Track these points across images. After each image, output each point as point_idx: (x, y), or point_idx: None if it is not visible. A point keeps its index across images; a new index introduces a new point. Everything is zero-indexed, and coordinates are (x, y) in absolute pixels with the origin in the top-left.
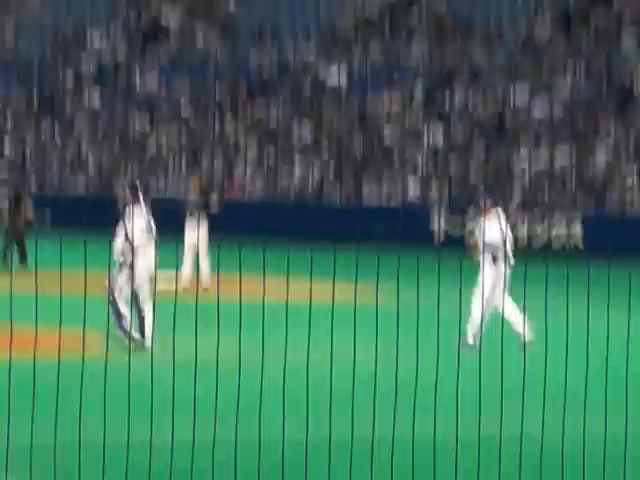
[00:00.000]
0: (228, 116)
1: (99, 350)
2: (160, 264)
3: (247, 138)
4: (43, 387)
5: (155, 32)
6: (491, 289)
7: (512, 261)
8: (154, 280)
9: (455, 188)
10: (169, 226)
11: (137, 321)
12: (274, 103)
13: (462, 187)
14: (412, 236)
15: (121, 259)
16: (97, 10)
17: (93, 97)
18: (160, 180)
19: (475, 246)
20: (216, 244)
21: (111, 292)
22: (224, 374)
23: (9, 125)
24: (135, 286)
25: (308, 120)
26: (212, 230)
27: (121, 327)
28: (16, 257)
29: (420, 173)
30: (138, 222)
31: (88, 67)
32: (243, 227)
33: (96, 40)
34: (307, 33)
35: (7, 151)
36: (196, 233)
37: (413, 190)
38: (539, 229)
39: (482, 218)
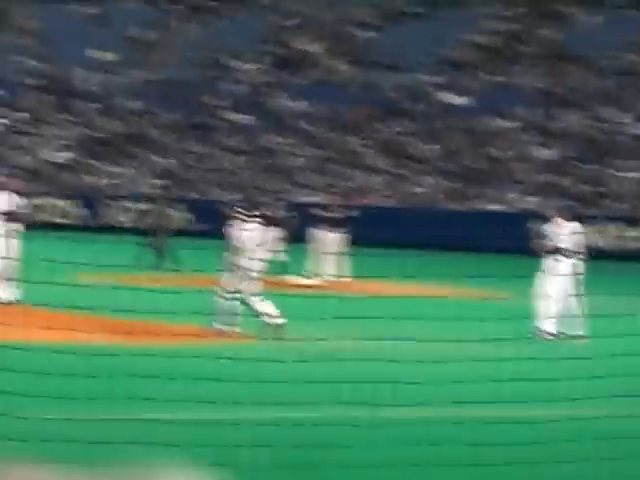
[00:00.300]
0: (362, 135)
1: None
2: (299, 266)
3: (379, 155)
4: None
5: (297, 59)
6: (559, 288)
7: (579, 266)
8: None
9: (559, 200)
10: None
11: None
12: (403, 123)
13: (565, 199)
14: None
15: (234, 260)
16: (246, 39)
17: (242, 116)
18: (299, 193)
19: (543, 248)
20: (350, 249)
21: (227, 290)
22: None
23: (162, 140)
24: (244, 284)
25: (433, 138)
26: (347, 236)
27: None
28: (159, 256)
29: (530, 186)
30: (246, 231)
31: (236, 90)
32: (375, 234)
33: (244, 66)
34: (433, 59)
35: (160, 162)
36: (332, 239)
37: (522, 201)
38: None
39: (555, 225)
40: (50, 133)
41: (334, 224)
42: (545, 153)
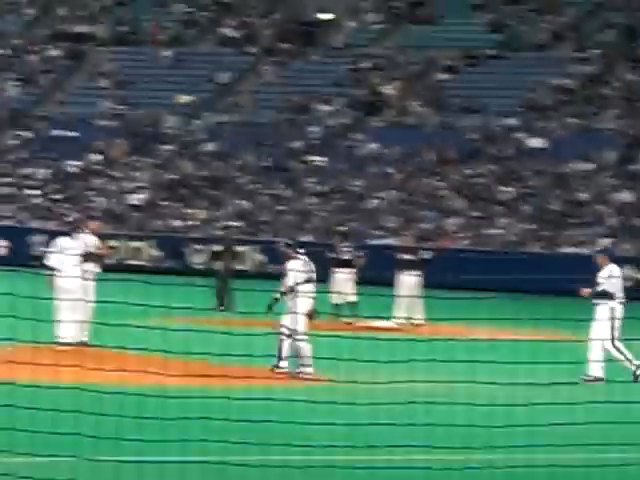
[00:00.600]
0: (438, 177)
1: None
2: (372, 308)
3: (456, 196)
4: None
5: (374, 102)
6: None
7: (619, 311)
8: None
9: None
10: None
11: (278, 348)
12: (479, 165)
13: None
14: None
15: (286, 301)
16: (324, 83)
17: (319, 157)
18: (376, 233)
19: (588, 294)
20: (426, 291)
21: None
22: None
23: (244, 181)
24: (295, 323)
25: (510, 180)
26: (424, 278)
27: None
28: (226, 299)
29: (610, 228)
30: (296, 270)
31: (315, 132)
32: (452, 275)
33: (322, 108)
34: (512, 102)
35: (242, 203)
36: (410, 281)
37: (603, 243)
38: None
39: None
40: (126, 175)
41: (409, 266)
42: (624, 196)
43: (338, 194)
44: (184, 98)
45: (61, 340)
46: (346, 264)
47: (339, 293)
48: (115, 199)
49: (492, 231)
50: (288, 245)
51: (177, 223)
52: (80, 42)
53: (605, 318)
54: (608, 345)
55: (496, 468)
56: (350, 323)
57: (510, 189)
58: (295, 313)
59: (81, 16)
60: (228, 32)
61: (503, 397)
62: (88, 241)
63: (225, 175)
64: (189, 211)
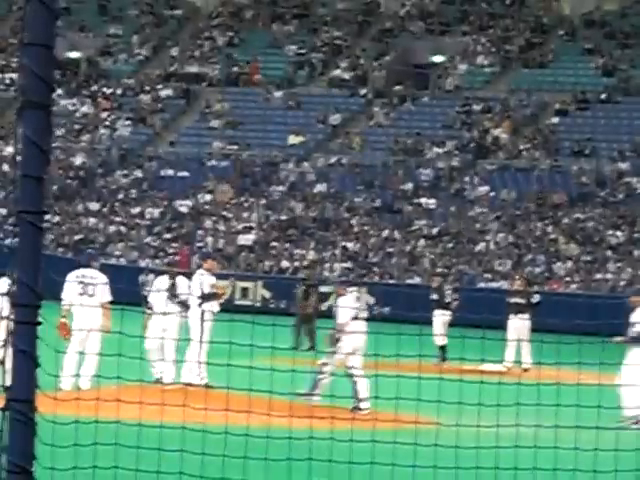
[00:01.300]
0: (548, 220)
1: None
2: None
3: (566, 240)
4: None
5: (485, 145)
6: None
7: None
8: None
9: None
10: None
11: (353, 389)
12: (590, 209)
13: None
14: None
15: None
16: (435, 126)
17: (429, 200)
18: (487, 275)
19: (621, 341)
20: (537, 336)
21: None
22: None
23: (354, 222)
24: (347, 360)
25: (621, 224)
26: (534, 322)
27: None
28: (305, 339)
29: None
30: (345, 308)
31: (425, 174)
32: (562, 319)
33: (433, 151)
34: (620, 147)
35: (351, 245)
36: (519, 325)
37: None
38: None
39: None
40: (237, 215)
41: (518, 309)
42: None
43: (447, 236)
44: (295, 139)
45: (165, 380)
46: (443, 306)
47: (442, 335)
48: (225, 239)
49: (602, 275)
50: (339, 282)
51: (286, 264)
52: (192, 82)
53: (637, 362)
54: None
55: None
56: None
57: (620, 233)
58: (349, 351)
59: (193, 56)
60: (340, 74)
61: (608, 442)
62: (205, 280)
63: (335, 216)
64: (298, 252)
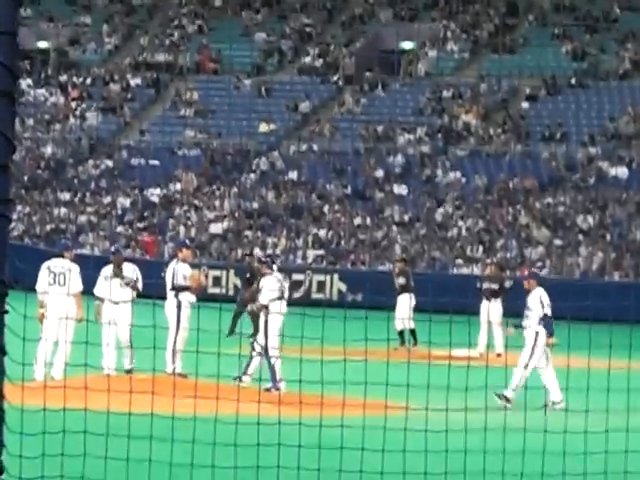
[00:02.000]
0: (519, 205)
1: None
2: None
3: (537, 225)
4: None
5: (455, 131)
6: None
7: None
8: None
9: None
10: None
11: (269, 370)
12: (561, 194)
13: None
14: None
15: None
16: (405, 112)
17: (400, 186)
18: (459, 261)
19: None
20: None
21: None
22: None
23: (326, 211)
24: (267, 340)
25: (592, 209)
26: (505, 307)
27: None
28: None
29: None
30: (269, 287)
31: (396, 161)
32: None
33: (404, 138)
34: (591, 131)
35: (322, 233)
36: (490, 310)
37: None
38: None
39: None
40: (208, 204)
41: (491, 295)
42: None
43: (419, 223)
44: (266, 127)
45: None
46: (407, 290)
47: (408, 319)
48: (196, 228)
49: (574, 260)
50: (261, 262)
51: (258, 252)
52: (161, 71)
53: (530, 343)
54: (546, 370)
55: None
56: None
57: (591, 218)
58: (267, 330)
59: (162, 45)
60: (309, 61)
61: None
62: (179, 270)
63: (306, 204)
64: (270, 240)
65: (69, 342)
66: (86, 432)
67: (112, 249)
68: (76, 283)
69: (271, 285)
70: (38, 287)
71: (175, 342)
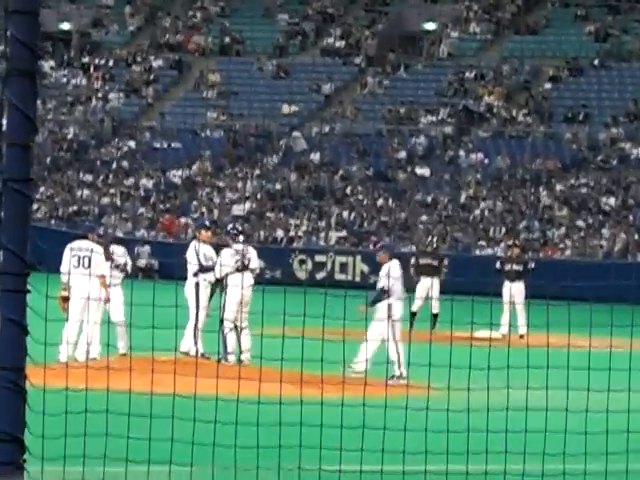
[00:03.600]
0: (542, 187)
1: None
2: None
3: (560, 207)
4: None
5: (478, 113)
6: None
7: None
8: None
9: None
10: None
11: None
12: (584, 175)
13: None
14: None
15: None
16: (428, 93)
17: (423, 168)
18: (481, 242)
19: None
20: (529, 301)
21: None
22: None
23: (347, 191)
24: (226, 313)
25: (615, 189)
26: (527, 287)
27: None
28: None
29: None
30: (224, 260)
31: (419, 142)
32: (554, 286)
33: (426, 119)
34: (613, 112)
35: (345, 215)
36: (513, 291)
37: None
38: None
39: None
40: (230, 185)
41: (514, 276)
42: None
43: (442, 204)
44: (288, 108)
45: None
46: (428, 272)
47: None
48: (219, 210)
49: (596, 241)
50: (227, 232)
51: (280, 233)
52: (184, 53)
53: (383, 317)
54: (391, 343)
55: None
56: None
57: (614, 199)
58: (225, 302)
59: (185, 26)
60: (332, 43)
61: (597, 403)
62: (200, 251)
63: (329, 185)
64: (293, 221)
65: (93, 323)
66: (108, 412)
67: (100, 231)
68: (100, 265)
69: (226, 258)
70: (62, 269)
71: (196, 323)
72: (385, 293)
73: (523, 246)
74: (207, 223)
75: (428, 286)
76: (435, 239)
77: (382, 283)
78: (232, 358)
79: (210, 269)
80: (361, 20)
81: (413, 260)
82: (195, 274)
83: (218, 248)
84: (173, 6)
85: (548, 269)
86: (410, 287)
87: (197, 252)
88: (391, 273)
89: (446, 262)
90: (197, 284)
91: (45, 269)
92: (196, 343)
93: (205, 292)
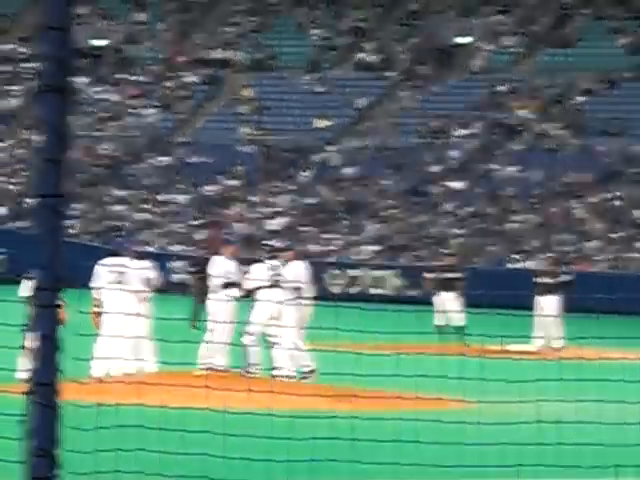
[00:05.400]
0: (577, 200)
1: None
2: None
3: (594, 220)
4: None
5: (512, 126)
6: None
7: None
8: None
9: None
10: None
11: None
12: (618, 188)
13: None
14: None
15: None
16: (462, 107)
17: (457, 182)
18: (515, 256)
19: None
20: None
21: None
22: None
23: (382, 206)
24: (252, 326)
25: None
26: (564, 301)
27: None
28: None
29: None
30: (257, 275)
31: (453, 156)
32: (592, 298)
33: (461, 132)
34: None
35: (379, 229)
36: (547, 305)
37: None
38: None
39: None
40: (265, 200)
41: (547, 289)
42: None
43: (476, 218)
44: (322, 123)
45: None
46: (451, 286)
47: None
48: (254, 224)
49: (631, 254)
50: (263, 247)
51: (315, 248)
52: (218, 68)
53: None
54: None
55: None
56: (467, 345)
57: None
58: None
59: (219, 42)
60: (365, 57)
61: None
62: (226, 266)
63: (363, 200)
64: (327, 236)
65: (126, 339)
66: (141, 427)
67: (133, 247)
68: (133, 281)
69: (258, 273)
70: (95, 284)
71: (214, 338)
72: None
73: (556, 259)
74: (231, 238)
75: (446, 299)
76: (550, 257)
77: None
78: (255, 370)
79: (233, 285)
80: (394, 34)
81: (432, 274)
82: (219, 289)
83: (250, 263)
84: (207, 22)
85: (582, 282)
86: (426, 301)
87: (220, 267)
88: (299, 275)
89: (564, 280)
90: (223, 299)
91: (78, 285)
92: (211, 357)
93: (228, 307)
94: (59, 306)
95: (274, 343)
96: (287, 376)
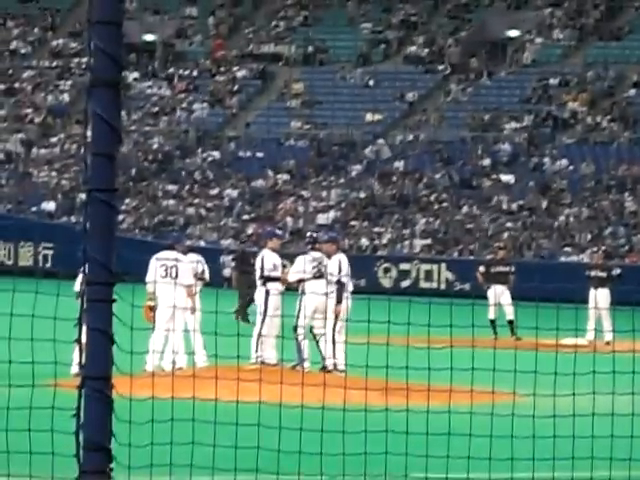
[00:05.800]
0: (627, 193)
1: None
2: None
3: None
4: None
5: (562, 119)
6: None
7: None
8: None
9: None
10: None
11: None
12: None
13: None
14: None
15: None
16: (512, 100)
17: (508, 175)
18: (566, 249)
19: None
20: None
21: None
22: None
23: (432, 199)
24: (300, 320)
25: None
26: (613, 294)
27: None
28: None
29: None
30: (301, 267)
31: (503, 149)
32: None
33: (511, 126)
34: None
35: (430, 222)
36: (598, 298)
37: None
38: None
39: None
40: (315, 194)
41: (598, 283)
42: None
43: (526, 211)
44: (372, 117)
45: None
46: (499, 280)
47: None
48: (304, 218)
49: None
50: (309, 240)
51: (365, 242)
52: (268, 62)
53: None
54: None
55: None
56: (519, 338)
57: None
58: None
59: (269, 36)
60: (415, 50)
61: None
62: (267, 260)
63: (413, 193)
64: (377, 229)
65: (180, 332)
66: (194, 420)
67: (184, 242)
68: (186, 275)
69: (301, 265)
70: (148, 279)
71: (260, 331)
72: (340, 286)
73: (608, 252)
74: (277, 232)
75: (498, 293)
76: (601, 251)
77: (336, 276)
78: (307, 365)
79: (277, 278)
80: (444, 27)
81: (483, 268)
82: (264, 282)
83: (295, 255)
84: (257, 16)
85: (633, 275)
86: (479, 294)
87: (263, 261)
88: (342, 266)
89: (615, 273)
90: (267, 292)
91: (131, 279)
92: (257, 350)
93: (274, 300)
94: (113, 300)
95: (320, 335)
96: (337, 369)
